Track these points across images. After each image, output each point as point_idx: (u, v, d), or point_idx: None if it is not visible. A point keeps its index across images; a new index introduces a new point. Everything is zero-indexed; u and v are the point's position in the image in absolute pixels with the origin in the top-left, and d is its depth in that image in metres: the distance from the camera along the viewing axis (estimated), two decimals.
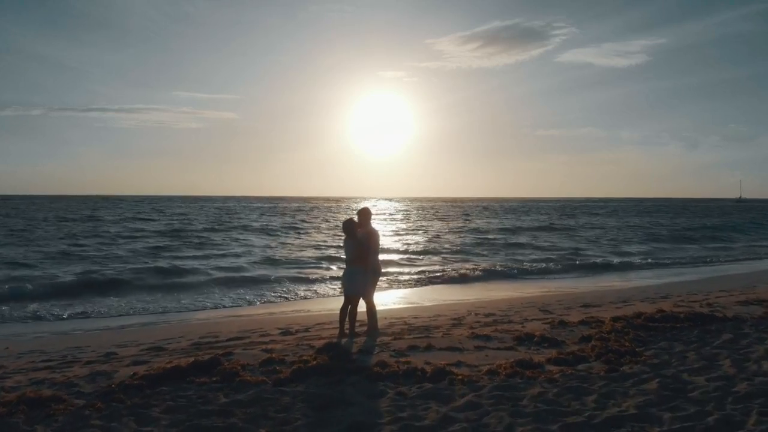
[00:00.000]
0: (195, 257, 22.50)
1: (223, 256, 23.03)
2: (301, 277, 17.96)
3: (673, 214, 71.45)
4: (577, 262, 22.21)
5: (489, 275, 18.77)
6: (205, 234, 31.69)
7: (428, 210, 77.83)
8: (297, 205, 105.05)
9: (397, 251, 25.33)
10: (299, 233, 32.74)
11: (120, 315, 12.55)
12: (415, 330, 7.93)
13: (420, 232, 36.42)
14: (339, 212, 63.97)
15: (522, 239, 31.23)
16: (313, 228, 35.28)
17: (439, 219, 49.95)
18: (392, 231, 36.70)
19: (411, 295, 14.98)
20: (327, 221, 42.03)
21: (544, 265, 21.12)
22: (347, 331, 7.52)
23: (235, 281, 16.94)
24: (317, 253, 24.07)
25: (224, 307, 13.51)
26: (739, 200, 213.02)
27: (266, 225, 37.58)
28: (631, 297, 12.73)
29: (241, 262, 21.06)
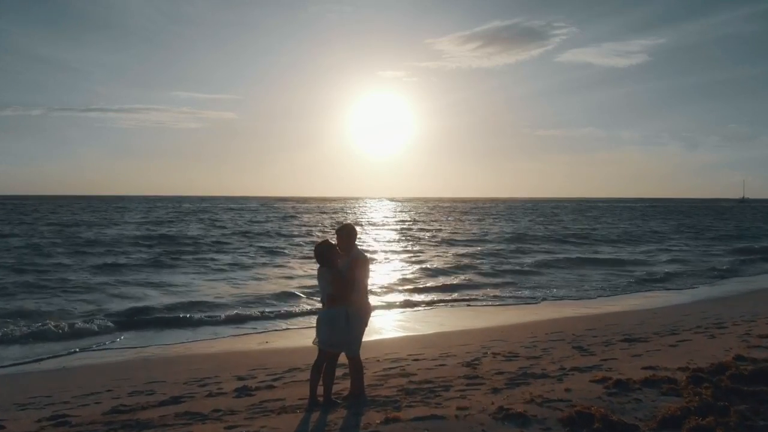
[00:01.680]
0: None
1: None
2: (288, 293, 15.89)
3: (697, 216, 69.66)
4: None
5: (499, 290, 16.60)
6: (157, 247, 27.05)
7: (433, 211, 75.54)
8: (292, 204, 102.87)
9: (398, 260, 22.69)
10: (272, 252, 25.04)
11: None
12: (418, 392, 5.75)
13: (423, 237, 33.98)
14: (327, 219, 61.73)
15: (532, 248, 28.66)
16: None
17: (441, 222, 47.40)
18: (395, 237, 32.85)
19: (412, 319, 12.71)
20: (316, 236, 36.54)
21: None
22: (320, 399, 5.35)
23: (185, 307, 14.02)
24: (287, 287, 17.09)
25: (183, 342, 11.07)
26: (743, 200, 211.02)
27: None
28: (677, 325, 10.54)
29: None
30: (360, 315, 5.47)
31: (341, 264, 5.50)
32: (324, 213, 61.56)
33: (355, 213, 62.51)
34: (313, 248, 5.69)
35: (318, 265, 5.54)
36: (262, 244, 24.98)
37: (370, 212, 61.23)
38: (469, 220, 49.89)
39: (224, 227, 35.07)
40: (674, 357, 7.41)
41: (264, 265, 21.80)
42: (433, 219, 52.88)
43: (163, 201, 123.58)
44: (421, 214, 66.25)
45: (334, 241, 5.66)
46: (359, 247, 5.72)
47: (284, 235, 29.28)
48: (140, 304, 13.88)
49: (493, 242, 31.63)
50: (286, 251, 24.54)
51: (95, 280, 17.93)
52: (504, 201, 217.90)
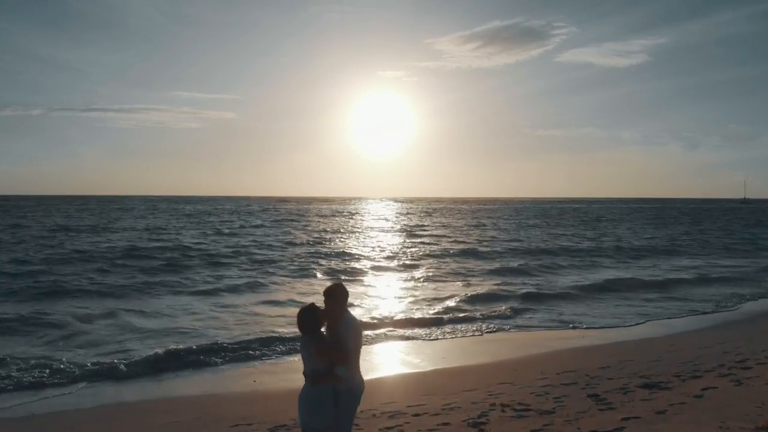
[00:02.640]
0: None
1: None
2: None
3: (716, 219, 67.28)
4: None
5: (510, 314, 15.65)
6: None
7: (439, 213, 74.42)
8: (295, 206, 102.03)
9: (403, 275, 20.39)
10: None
11: None
12: None
13: (433, 246, 29.38)
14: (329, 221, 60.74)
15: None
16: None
17: (454, 228, 45.34)
18: (404, 245, 28.92)
19: (416, 351, 11.77)
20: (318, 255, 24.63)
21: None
22: None
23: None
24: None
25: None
26: (744, 201, 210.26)
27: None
28: (698, 363, 9.77)
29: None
30: (351, 394, 4.71)
31: (330, 332, 4.76)
32: (326, 216, 59.82)
33: (359, 214, 61.53)
34: (297, 316, 4.88)
35: (302, 336, 4.79)
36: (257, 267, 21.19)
37: (374, 214, 60.11)
38: (484, 225, 46.59)
39: (220, 235, 33.67)
40: (702, 415, 6.67)
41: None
42: (441, 223, 47.86)
43: (163, 202, 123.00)
44: (427, 216, 64.80)
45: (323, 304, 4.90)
46: (350, 310, 4.96)
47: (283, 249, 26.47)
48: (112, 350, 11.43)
49: (517, 255, 27.40)
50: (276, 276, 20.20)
51: (52, 309, 15.00)
52: (504, 201, 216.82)
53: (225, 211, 66.57)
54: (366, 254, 23.93)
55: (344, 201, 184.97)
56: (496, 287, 19.41)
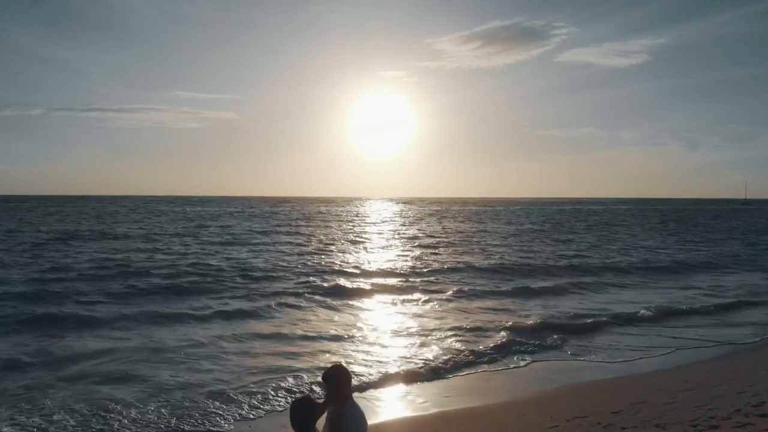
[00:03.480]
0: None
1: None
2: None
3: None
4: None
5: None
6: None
7: (446, 216, 73.42)
8: (296, 207, 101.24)
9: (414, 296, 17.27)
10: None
11: None
12: None
13: (446, 260, 24.81)
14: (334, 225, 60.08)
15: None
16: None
17: (458, 233, 43.80)
18: (416, 257, 25.00)
19: (420, 392, 10.63)
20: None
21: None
22: None
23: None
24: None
25: None
26: (745, 202, 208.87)
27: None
28: (713, 407, 9.36)
29: None
30: None
31: (329, 426, 4.34)
32: (328, 221, 58.52)
33: (363, 218, 60.63)
34: (289, 408, 4.44)
35: None
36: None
37: (377, 216, 59.02)
38: (496, 232, 42.25)
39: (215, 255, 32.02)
40: None
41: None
42: (452, 229, 44.04)
43: (162, 203, 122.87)
44: (433, 218, 63.53)
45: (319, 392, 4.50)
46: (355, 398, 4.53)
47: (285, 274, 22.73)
48: None
49: (537, 272, 23.39)
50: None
51: None
52: (505, 202, 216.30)
53: (225, 214, 66.29)
54: (379, 270, 21.21)
55: (345, 202, 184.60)
56: (506, 313, 16.87)
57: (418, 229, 33.82)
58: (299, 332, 12.98)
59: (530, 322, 15.10)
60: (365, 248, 22.05)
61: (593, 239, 35.99)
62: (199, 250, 20.59)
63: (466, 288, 18.55)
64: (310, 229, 38.06)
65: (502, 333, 13.98)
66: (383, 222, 45.79)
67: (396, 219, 55.32)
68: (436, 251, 24.72)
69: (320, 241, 25.93)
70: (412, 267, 20.72)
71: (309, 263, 19.97)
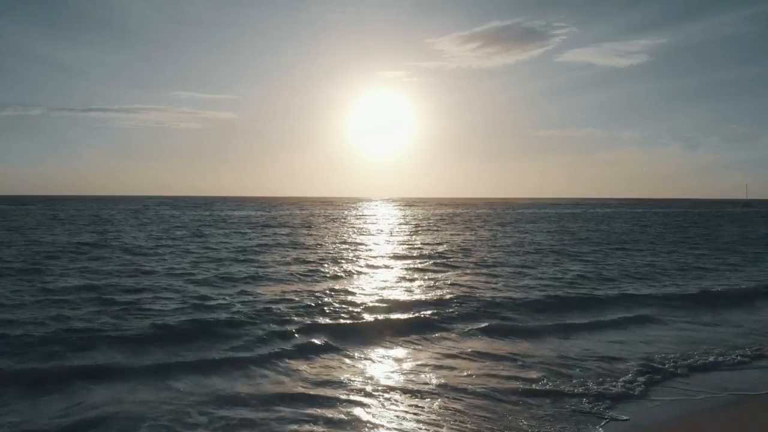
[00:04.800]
0: None
1: None
2: None
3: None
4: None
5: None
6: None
7: (454, 220, 71.78)
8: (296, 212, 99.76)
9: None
10: None
11: None
12: None
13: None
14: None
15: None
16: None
17: (483, 243, 39.33)
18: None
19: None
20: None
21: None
22: None
23: None
24: None
25: None
26: (746, 204, 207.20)
27: None
28: None
29: None
30: None
31: None
32: (330, 228, 49.56)
33: (366, 225, 59.72)
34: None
35: None
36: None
37: (383, 223, 57.38)
38: (528, 244, 31.56)
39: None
40: None
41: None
42: (471, 240, 35.28)
43: (162, 206, 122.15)
44: (442, 222, 62.20)
45: None
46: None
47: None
48: None
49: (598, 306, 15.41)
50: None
51: None
52: (506, 202, 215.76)
53: (224, 220, 65.90)
54: (400, 303, 14.90)
55: (346, 203, 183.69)
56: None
57: (442, 247, 29.65)
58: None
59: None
60: (388, 274, 18.75)
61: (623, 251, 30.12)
62: (200, 275, 18.88)
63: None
64: (314, 237, 37.14)
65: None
66: (394, 231, 44.45)
67: (404, 225, 54.31)
68: (486, 276, 20.08)
69: (332, 260, 23.28)
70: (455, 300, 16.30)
71: (327, 300, 15.89)
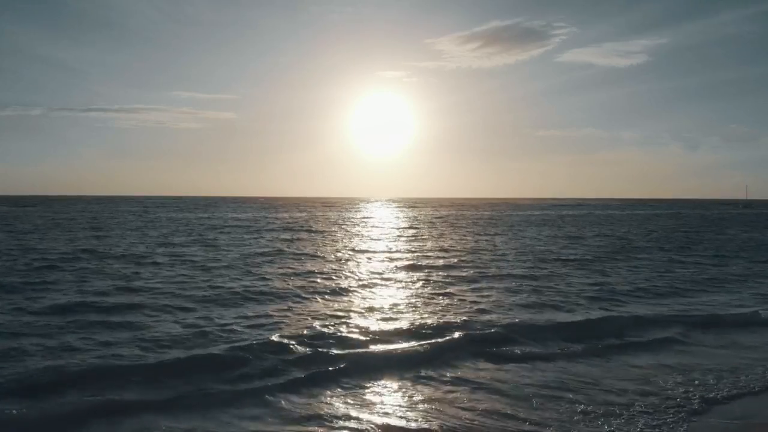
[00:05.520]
0: None
1: None
2: None
3: None
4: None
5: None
6: None
7: (464, 224, 70.88)
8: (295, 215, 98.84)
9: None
10: None
11: None
12: None
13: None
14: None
15: None
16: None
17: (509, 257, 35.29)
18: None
19: None
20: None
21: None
22: None
23: None
24: None
25: None
26: (747, 205, 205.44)
27: None
28: None
29: None
30: None
31: None
32: (333, 233, 48.10)
33: (373, 231, 58.88)
34: None
35: None
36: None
37: (388, 230, 55.98)
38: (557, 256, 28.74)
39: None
40: None
41: None
42: (488, 249, 31.81)
43: (162, 208, 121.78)
44: (448, 226, 61.31)
45: None
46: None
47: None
48: None
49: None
50: None
51: None
52: (506, 202, 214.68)
53: (224, 224, 65.25)
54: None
55: (346, 204, 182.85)
56: None
57: (449, 257, 28.45)
58: None
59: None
60: (395, 291, 17.53)
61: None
62: (198, 292, 17.85)
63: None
64: (316, 245, 36.19)
65: None
66: (398, 238, 43.40)
67: (408, 229, 53.53)
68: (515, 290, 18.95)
69: (335, 274, 22.15)
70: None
71: (329, 324, 14.43)
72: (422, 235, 42.77)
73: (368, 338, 12.37)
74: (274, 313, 14.62)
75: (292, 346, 11.52)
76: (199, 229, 48.35)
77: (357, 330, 12.95)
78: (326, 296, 17.11)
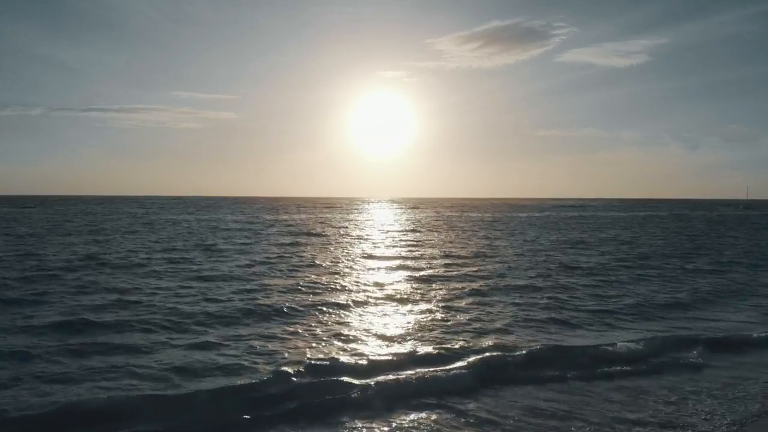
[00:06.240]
0: None
1: None
2: None
3: None
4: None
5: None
6: None
7: (473, 228, 69.79)
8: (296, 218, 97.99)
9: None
10: None
11: None
12: None
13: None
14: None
15: None
16: None
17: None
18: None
19: None
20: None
21: None
22: None
23: None
24: None
25: None
26: (748, 206, 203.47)
27: None
28: None
29: None
30: None
31: None
32: (340, 242, 50.47)
33: (376, 235, 58.08)
34: None
35: None
36: None
37: (391, 234, 54.69)
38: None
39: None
40: None
41: None
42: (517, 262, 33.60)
43: (163, 211, 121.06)
44: (459, 232, 60.34)
45: None
46: None
47: None
48: None
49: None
50: None
51: None
52: (505, 202, 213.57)
53: (224, 228, 64.48)
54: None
55: (347, 205, 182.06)
56: None
57: (459, 268, 27.24)
58: None
59: None
60: (405, 311, 15.79)
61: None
62: (198, 309, 17.32)
63: None
64: (318, 253, 35.29)
65: None
66: (404, 243, 42.21)
67: (412, 233, 52.71)
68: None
69: (340, 288, 21.04)
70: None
71: (336, 346, 16.60)
72: (426, 242, 42.02)
73: (383, 362, 11.67)
74: (281, 335, 13.91)
75: (301, 372, 10.84)
76: (198, 233, 47.64)
77: (369, 353, 12.25)
78: (333, 314, 16.39)
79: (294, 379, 10.57)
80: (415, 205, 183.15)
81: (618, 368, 11.95)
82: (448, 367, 11.39)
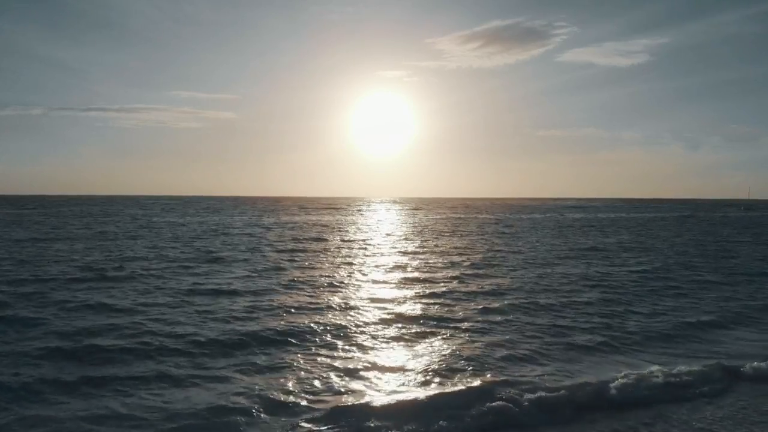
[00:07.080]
0: None
1: None
2: None
3: None
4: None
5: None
6: None
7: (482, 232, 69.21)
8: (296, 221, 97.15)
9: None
10: None
11: None
12: None
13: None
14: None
15: None
16: None
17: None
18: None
19: None
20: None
21: None
22: None
23: None
24: None
25: None
26: (749, 207, 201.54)
27: None
28: None
29: None
30: None
31: None
32: (343, 251, 52.84)
33: (380, 239, 57.35)
34: None
35: None
36: None
37: (396, 240, 53.93)
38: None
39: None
40: None
41: None
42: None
43: (163, 212, 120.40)
44: (472, 236, 59.80)
45: None
46: None
47: None
48: None
49: None
50: None
51: None
52: (506, 202, 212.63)
53: (226, 232, 63.63)
54: None
55: (348, 205, 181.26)
56: None
57: (468, 283, 28.20)
58: None
59: None
60: (415, 335, 13.91)
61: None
62: (199, 329, 18.22)
63: None
64: (322, 263, 34.83)
65: None
66: (408, 251, 41.18)
67: (417, 238, 51.82)
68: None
69: (345, 305, 20.62)
70: None
71: (342, 377, 17.79)
72: (433, 249, 41.03)
73: (398, 397, 10.79)
74: (290, 361, 13.02)
75: (313, 400, 9.99)
76: (199, 237, 46.77)
77: (380, 387, 11.37)
78: (341, 337, 15.50)
79: (313, 406, 9.68)
80: (416, 206, 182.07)
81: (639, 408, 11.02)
82: (474, 413, 10.47)
